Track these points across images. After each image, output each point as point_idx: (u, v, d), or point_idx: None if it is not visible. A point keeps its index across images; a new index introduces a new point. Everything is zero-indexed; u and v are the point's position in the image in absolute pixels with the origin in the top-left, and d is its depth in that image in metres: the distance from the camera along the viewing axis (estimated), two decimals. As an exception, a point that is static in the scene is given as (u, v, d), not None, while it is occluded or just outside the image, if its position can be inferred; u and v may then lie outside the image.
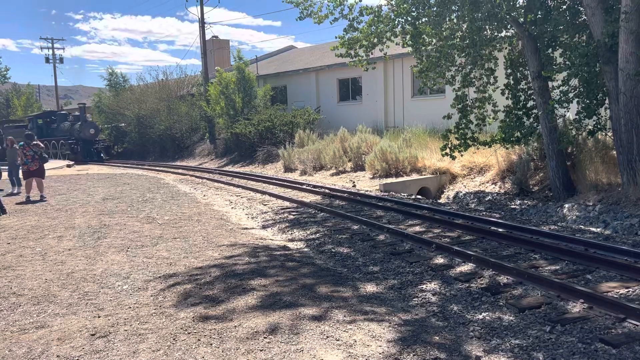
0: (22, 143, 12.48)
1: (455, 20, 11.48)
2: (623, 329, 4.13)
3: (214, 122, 26.67)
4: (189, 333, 4.24)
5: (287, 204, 11.30)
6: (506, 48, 11.96)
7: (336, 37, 12.71)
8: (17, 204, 11.83)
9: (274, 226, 9.18)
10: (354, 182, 14.65)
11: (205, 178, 17.15)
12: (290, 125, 22.11)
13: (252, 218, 10.10)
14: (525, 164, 12.11)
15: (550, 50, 11.15)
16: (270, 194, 12.59)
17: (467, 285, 5.38)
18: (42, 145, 12.91)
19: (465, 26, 11.25)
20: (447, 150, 12.36)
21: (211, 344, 4.01)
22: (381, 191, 12.86)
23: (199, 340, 4.09)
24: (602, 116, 10.83)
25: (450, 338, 4.15)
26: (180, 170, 20.60)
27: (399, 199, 11.20)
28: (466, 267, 5.97)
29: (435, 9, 11.13)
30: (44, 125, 32.78)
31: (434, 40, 11.77)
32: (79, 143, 29.06)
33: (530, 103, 11.80)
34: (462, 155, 12.98)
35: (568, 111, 11.74)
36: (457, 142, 12.27)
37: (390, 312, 4.71)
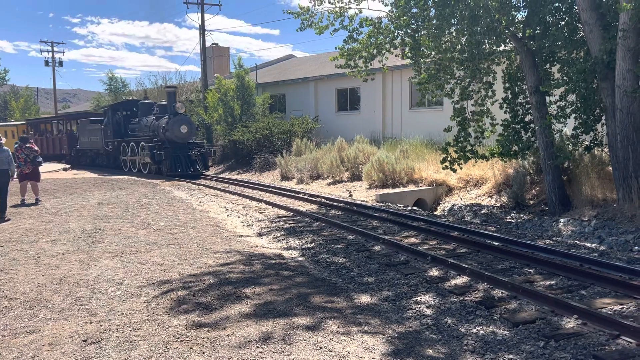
0: (17, 144, 12.51)
1: (454, 34, 11.55)
2: (617, 346, 4.13)
3: (212, 129, 26.69)
4: (182, 341, 4.21)
5: (283, 212, 11.29)
6: (504, 62, 12.04)
7: (336, 48, 12.77)
8: (11, 206, 11.77)
9: (270, 234, 9.15)
10: (350, 192, 14.65)
11: (201, 184, 17.11)
12: (288, 134, 22.15)
13: (248, 226, 10.07)
14: (522, 178, 12.13)
15: (548, 65, 11.23)
16: (267, 202, 12.57)
17: (462, 298, 5.37)
18: (36, 148, 12.84)
19: (464, 40, 11.32)
20: (447, 164, 12.37)
21: (203, 353, 3.98)
22: (377, 202, 12.86)
23: (191, 348, 4.07)
24: (598, 132, 10.89)
25: (443, 351, 4.13)
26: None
27: (395, 209, 11.20)
28: (461, 280, 5.96)
29: (434, 22, 11.20)
30: (122, 120, 23.51)
31: (433, 53, 11.83)
32: (164, 147, 19.50)
33: (528, 117, 11.85)
34: (461, 169, 13.02)
35: (565, 126, 11.79)
36: (456, 155, 12.30)
37: (384, 323, 4.70)
